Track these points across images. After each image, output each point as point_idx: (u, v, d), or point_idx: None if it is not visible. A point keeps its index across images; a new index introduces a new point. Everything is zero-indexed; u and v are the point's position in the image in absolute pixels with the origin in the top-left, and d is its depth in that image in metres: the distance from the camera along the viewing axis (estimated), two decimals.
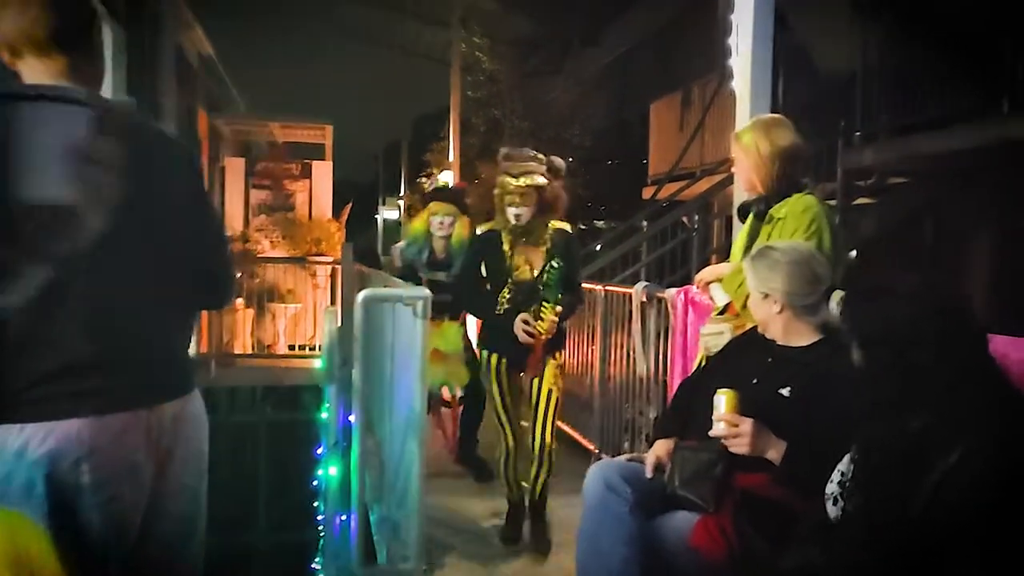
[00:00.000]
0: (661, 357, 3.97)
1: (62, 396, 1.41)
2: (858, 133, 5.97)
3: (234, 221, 9.22)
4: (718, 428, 2.00)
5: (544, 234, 3.37)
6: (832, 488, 1.71)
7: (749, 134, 2.57)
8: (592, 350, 5.10)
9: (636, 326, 4.12)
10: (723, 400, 2.01)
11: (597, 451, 4.80)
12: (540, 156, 3.43)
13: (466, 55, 11.73)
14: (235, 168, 9.84)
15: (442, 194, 4.75)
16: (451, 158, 11.62)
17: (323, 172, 10.09)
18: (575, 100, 11.94)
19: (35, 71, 1.48)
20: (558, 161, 3.50)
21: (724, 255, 7.48)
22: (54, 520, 1.39)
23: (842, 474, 1.68)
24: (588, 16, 11.88)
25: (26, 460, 1.39)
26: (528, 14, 11.92)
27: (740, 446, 1.98)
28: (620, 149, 12.47)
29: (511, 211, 3.30)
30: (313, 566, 3.25)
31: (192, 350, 1.72)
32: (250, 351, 8.24)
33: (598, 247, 8.70)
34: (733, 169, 2.67)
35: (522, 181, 3.28)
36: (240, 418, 3.38)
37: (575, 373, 5.50)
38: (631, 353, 4.36)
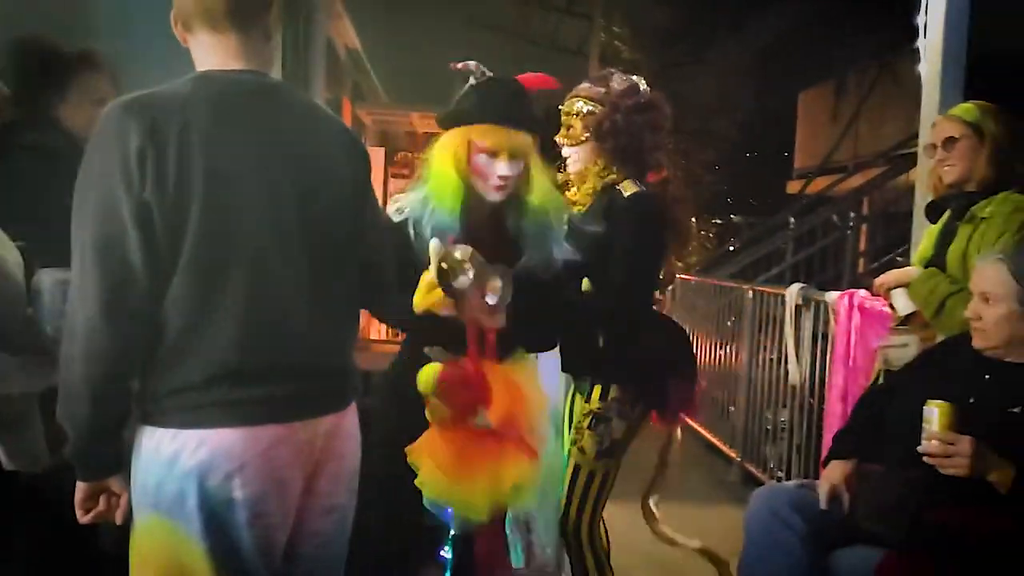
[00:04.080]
0: (816, 364, 3.69)
1: (215, 404, 1.32)
2: None
3: None
4: (930, 446, 1.75)
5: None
6: None
7: (975, 111, 2.23)
8: (735, 352, 4.85)
9: (789, 330, 3.85)
10: (936, 414, 1.74)
11: (739, 458, 4.56)
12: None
13: (604, 46, 11.49)
14: (375, 157, 10.05)
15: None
16: None
17: None
18: (719, 90, 11.46)
19: (207, 49, 1.42)
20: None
21: (872, 259, 6.99)
22: (204, 536, 1.32)
23: None
24: (733, 2, 11.38)
25: (178, 469, 1.32)
26: (670, 2, 11.54)
27: (956, 467, 1.72)
28: (763, 141, 11.91)
29: None
30: (442, 554, 3.22)
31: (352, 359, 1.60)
32: (383, 337, 8.41)
33: (731, 247, 8.26)
34: (937, 157, 2.31)
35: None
36: (371, 402, 3.39)
37: (715, 374, 5.27)
38: (781, 358, 4.09)
